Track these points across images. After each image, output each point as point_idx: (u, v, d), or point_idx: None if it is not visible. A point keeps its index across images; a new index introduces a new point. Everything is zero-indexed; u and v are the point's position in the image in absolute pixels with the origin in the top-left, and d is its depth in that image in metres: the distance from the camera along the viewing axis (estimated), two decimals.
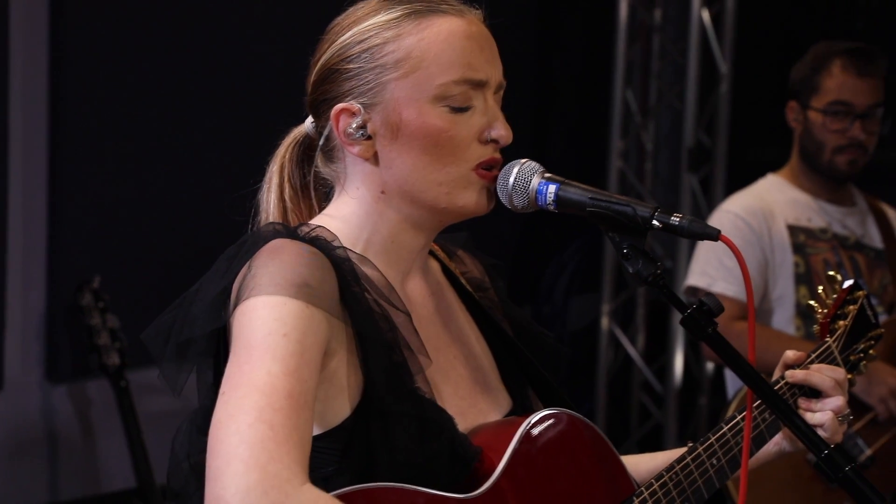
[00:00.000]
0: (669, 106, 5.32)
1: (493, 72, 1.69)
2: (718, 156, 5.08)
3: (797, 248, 3.37)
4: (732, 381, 3.46)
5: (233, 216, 1.80)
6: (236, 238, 1.69)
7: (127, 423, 3.58)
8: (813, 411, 1.82)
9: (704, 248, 3.42)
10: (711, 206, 4.84)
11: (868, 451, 3.19)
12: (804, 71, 3.40)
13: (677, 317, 4.98)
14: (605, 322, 5.17)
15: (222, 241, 1.68)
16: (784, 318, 3.34)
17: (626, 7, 5.05)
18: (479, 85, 1.67)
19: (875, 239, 3.47)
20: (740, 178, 3.65)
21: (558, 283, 5.34)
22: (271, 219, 1.77)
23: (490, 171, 1.69)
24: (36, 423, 3.70)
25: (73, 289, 3.66)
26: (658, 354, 5.24)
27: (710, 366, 5.03)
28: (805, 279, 3.35)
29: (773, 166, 3.53)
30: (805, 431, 1.61)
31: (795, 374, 1.85)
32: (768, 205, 3.40)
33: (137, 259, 3.82)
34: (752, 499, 3.04)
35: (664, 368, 5.17)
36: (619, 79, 5.08)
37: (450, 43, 1.66)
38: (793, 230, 3.38)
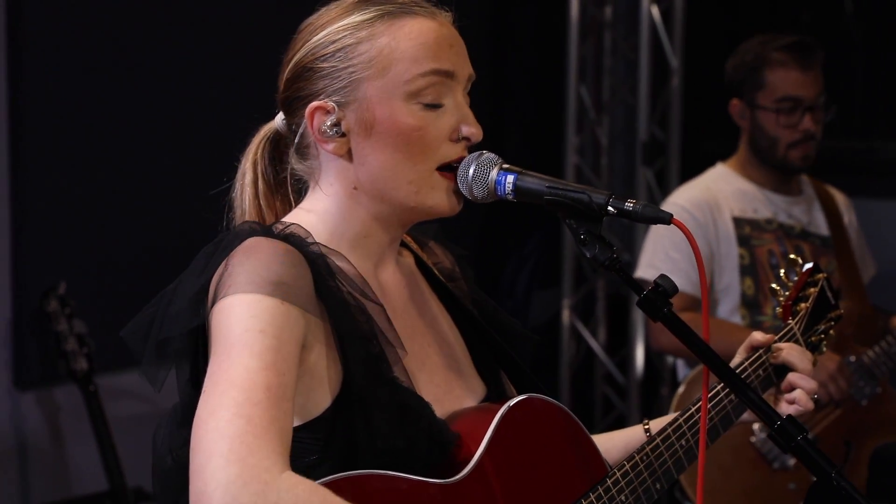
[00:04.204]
0: (623, 101, 5.39)
1: (462, 65, 1.75)
2: (672, 149, 5.16)
3: (742, 241, 3.41)
4: (682, 369, 3.53)
5: (204, 215, 1.83)
6: (200, 239, 1.72)
7: (97, 427, 3.59)
8: (794, 386, 1.91)
9: (652, 241, 3.47)
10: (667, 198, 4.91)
11: (811, 434, 3.27)
12: (745, 68, 3.41)
13: (637, 309, 5.09)
14: (566, 316, 5.24)
15: (186, 243, 1.71)
16: (729, 309, 3.40)
17: (577, 4, 5.12)
18: (448, 76, 1.72)
19: (821, 226, 3.52)
20: (694, 171, 3.67)
21: (519, 278, 5.39)
22: (247, 215, 1.81)
23: (452, 171, 1.74)
24: (5, 430, 3.70)
25: (39, 295, 3.67)
26: (619, 346, 5.31)
27: (670, 357, 5.11)
28: (750, 271, 3.40)
29: (726, 157, 3.57)
30: (759, 404, 1.67)
31: (779, 355, 1.94)
32: (714, 196, 3.44)
33: (102, 263, 3.82)
34: (697, 485, 3.11)
35: (626, 360, 5.23)
36: (573, 75, 5.16)
37: (420, 41, 1.71)
38: (738, 222, 3.43)
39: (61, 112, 3.74)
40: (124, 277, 3.76)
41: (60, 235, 3.76)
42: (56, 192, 3.74)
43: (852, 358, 3.31)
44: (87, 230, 3.80)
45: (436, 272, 1.92)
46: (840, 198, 3.61)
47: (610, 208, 1.66)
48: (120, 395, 3.72)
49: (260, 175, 1.82)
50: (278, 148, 1.83)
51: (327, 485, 1.54)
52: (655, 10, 5.08)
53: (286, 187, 1.83)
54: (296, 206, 1.81)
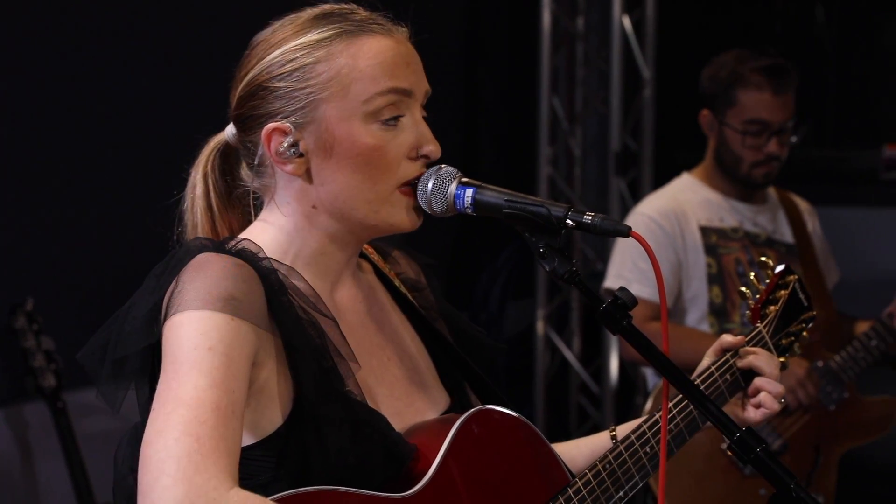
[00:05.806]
0: (595, 111, 5.41)
1: (418, 82, 1.74)
2: (645, 159, 5.18)
3: (709, 250, 3.43)
4: (652, 378, 3.53)
5: (158, 228, 1.82)
6: (167, 252, 1.71)
7: (65, 444, 3.56)
8: (760, 391, 1.92)
9: (620, 251, 3.48)
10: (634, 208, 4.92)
11: (780, 440, 3.29)
12: (719, 83, 3.42)
13: None
14: (540, 327, 5.24)
15: (153, 257, 1.70)
16: (697, 317, 3.42)
17: (548, 15, 5.13)
18: (405, 94, 1.71)
19: (786, 234, 3.55)
20: (667, 180, 3.68)
21: (493, 289, 5.39)
22: (199, 228, 1.80)
23: (412, 188, 1.73)
24: None
25: (7, 312, 3.64)
26: (594, 357, 5.32)
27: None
28: (717, 279, 3.42)
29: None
30: (718, 416, 1.67)
31: (745, 359, 1.94)
32: (681, 206, 3.46)
33: (69, 280, 3.80)
34: (670, 493, 3.12)
35: (600, 370, 5.25)
36: (545, 86, 5.16)
37: (378, 60, 1.70)
38: (705, 231, 3.45)
39: (27, 130, 3.72)
40: (92, 294, 3.73)
41: (28, 252, 3.73)
42: (20, 209, 3.71)
43: (820, 363, 3.33)
44: (55, 246, 3.78)
45: (397, 283, 1.91)
46: (803, 205, 3.64)
47: (569, 221, 1.66)
48: (89, 412, 3.69)
49: (211, 187, 1.80)
50: (228, 160, 1.82)
51: (276, 502, 1.54)
52: (627, 21, 5.10)
53: (246, 201, 1.81)
54: (253, 217, 1.79)
